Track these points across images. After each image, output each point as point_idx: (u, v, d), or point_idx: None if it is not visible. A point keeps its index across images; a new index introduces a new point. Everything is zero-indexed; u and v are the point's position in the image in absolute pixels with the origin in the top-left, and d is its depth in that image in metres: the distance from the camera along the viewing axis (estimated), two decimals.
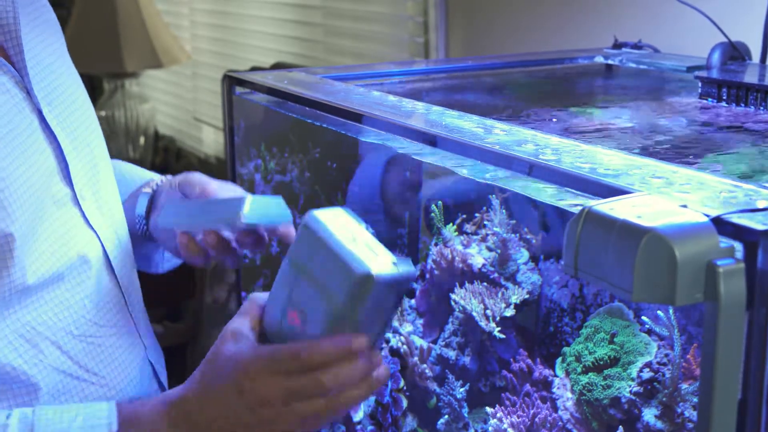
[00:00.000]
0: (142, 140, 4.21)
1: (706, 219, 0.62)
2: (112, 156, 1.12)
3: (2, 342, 0.91)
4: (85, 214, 0.98)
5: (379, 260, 0.82)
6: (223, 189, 1.06)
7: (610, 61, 1.58)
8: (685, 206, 0.65)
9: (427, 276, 1.26)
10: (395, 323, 1.28)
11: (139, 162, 4.18)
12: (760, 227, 0.61)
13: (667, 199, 0.68)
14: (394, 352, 1.30)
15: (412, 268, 0.84)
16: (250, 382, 0.87)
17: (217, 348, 0.92)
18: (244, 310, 0.93)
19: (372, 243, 0.84)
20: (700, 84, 1.25)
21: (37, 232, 0.91)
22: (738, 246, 0.62)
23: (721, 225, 0.63)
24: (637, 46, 1.61)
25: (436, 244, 1.24)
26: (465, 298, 1.18)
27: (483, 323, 1.15)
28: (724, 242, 0.61)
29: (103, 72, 4.23)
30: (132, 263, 1.07)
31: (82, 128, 1.02)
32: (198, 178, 1.07)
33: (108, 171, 1.07)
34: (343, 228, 0.85)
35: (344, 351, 0.84)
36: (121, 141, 4.15)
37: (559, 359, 1.06)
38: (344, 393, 0.86)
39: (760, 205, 0.66)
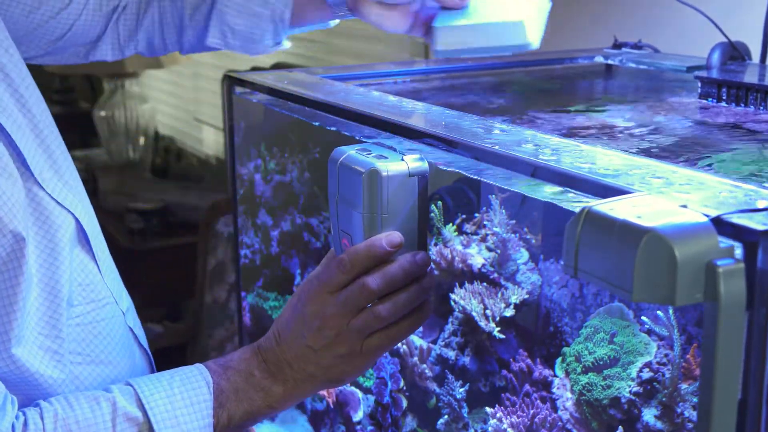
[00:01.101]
0: (142, 140, 4.21)
1: (705, 219, 0.62)
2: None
3: (29, 348, 0.91)
4: (51, 194, 0.96)
5: (386, 161, 0.89)
6: None
7: (610, 61, 1.58)
8: (684, 206, 0.65)
9: None
10: None
11: (139, 163, 4.18)
12: (759, 227, 0.61)
13: (667, 199, 0.68)
14: (394, 352, 1.30)
15: (423, 163, 0.91)
16: (309, 306, 0.93)
17: None
18: (324, 261, 0.98)
19: (388, 154, 0.91)
20: (699, 84, 1.25)
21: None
22: (738, 246, 0.62)
23: (720, 225, 0.62)
24: (637, 46, 1.61)
25: (435, 244, 1.24)
26: (465, 298, 1.18)
27: (483, 323, 1.15)
28: (724, 242, 0.61)
29: (103, 72, 4.23)
30: (101, 235, 1.07)
31: (24, 110, 0.98)
32: None
33: (61, 146, 1.04)
34: (363, 151, 0.92)
35: (380, 250, 0.89)
36: (121, 141, 4.15)
37: (559, 359, 1.06)
38: (395, 298, 0.90)
39: (760, 205, 0.66)
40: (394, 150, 0.94)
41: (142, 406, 0.92)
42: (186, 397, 0.93)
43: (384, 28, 1.16)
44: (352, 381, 1.30)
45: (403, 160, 0.90)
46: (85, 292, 0.99)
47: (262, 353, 0.97)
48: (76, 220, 0.98)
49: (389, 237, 0.90)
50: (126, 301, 1.09)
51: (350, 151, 0.92)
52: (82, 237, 1.00)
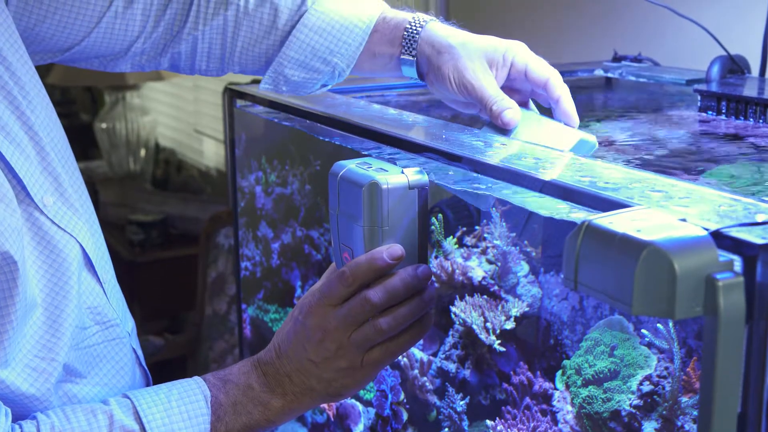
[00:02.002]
0: (143, 152, 4.22)
1: (705, 233, 0.63)
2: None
3: (19, 370, 0.91)
4: (53, 219, 0.96)
5: (386, 174, 0.90)
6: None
7: (609, 74, 1.58)
8: (684, 220, 0.66)
9: None
10: None
11: (140, 174, 4.19)
12: (759, 241, 0.61)
13: (667, 212, 0.68)
14: (395, 365, 1.30)
15: (423, 176, 0.91)
16: (310, 319, 0.93)
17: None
18: (326, 274, 0.99)
19: (388, 167, 0.91)
20: (699, 97, 1.25)
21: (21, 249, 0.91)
22: (737, 260, 0.62)
23: (720, 239, 0.63)
24: (637, 59, 1.61)
25: (436, 257, 1.24)
26: (465, 311, 1.18)
27: (483, 336, 1.15)
28: (724, 256, 0.62)
29: (104, 84, 4.24)
30: (108, 257, 1.06)
31: (31, 133, 0.97)
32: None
33: (71, 169, 1.03)
34: (363, 164, 0.92)
35: (381, 262, 0.90)
36: (122, 153, 4.16)
37: (559, 372, 1.06)
38: (395, 312, 0.91)
39: (760, 218, 0.66)
40: (394, 163, 0.94)
41: (139, 419, 0.92)
42: (184, 410, 0.93)
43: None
44: (352, 395, 1.29)
45: (403, 173, 0.90)
46: (93, 315, 0.99)
47: (262, 366, 0.97)
48: (80, 245, 0.98)
49: (390, 249, 0.90)
50: (130, 321, 1.09)
51: (350, 165, 0.93)
52: (87, 261, 1.00)
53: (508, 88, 1.06)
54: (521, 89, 1.07)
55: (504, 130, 1.03)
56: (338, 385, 0.94)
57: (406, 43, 1.06)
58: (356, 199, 0.90)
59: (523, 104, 1.07)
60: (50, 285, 0.94)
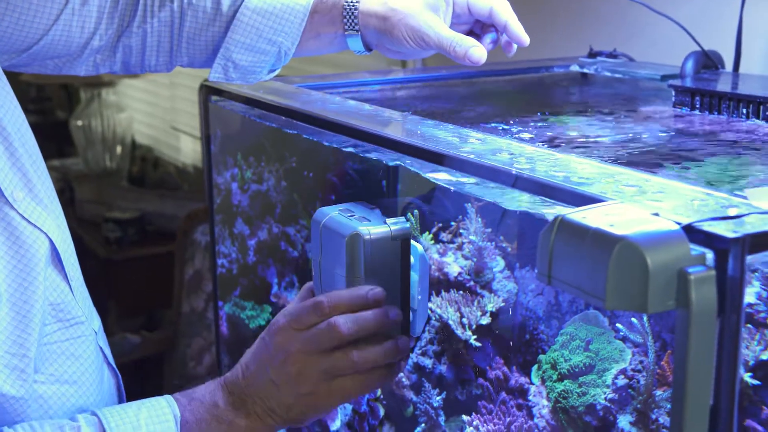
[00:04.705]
0: (119, 149, 4.19)
1: (677, 227, 0.63)
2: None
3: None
4: (23, 214, 0.95)
5: (369, 224, 0.90)
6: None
7: (585, 70, 1.59)
8: (657, 214, 0.66)
9: None
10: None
11: (116, 171, 4.17)
12: (730, 235, 0.61)
13: (640, 207, 0.68)
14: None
15: (405, 225, 0.91)
16: (275, 339, 0.92)
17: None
18: (299, 295, 0.99)
19: (369, 216, 0.92)
20: (673, 92, 1.26)
21: None
22: (709, 253, 0.62)
23: (692, 233, 0.63)
24: (612, 55, 1.62)
25: None
26: (441, 307, 1.18)
27: (459, 331, 1.16)
28: (696, 250, 0.62)
29: (80, 81, 4.21)
30: (74, 254, 1.06)
31: (0, 128, 0.97)
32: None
33: (38, 165, 1.02)
34: (345, 212, 0.93)
35: (360, 300, 0.89)
36: (98, 150, 4.14)
37: (535, 367, 1.06)
38: (369, 347, 0.90)
39: (731, 212, 0.67)
40: (377, 209, 0.94)
41: None
42: (152, 430, 0.93)
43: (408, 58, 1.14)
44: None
45: (385, 223, 0.90)
46: (56, 312, 0.98)
47: (228, 385, 0.97)
48: (50, 240, 0.98)
49: (373, 290, 0.90)
50: (97, 320, 1.08)
51: (333, 213, 0.93)
52: (55, 257, 0.99)
53: (456, 25, 1.09)
54: (468, 23, 1.11)
55: None
56: (298, 411, 0.94)
57: (348, 20, 1.09)
58: (339, 248, 0.90)
59: (477, 37, 1.10)
60: (18, 280, 0.93)
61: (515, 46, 1.10)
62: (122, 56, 1.16)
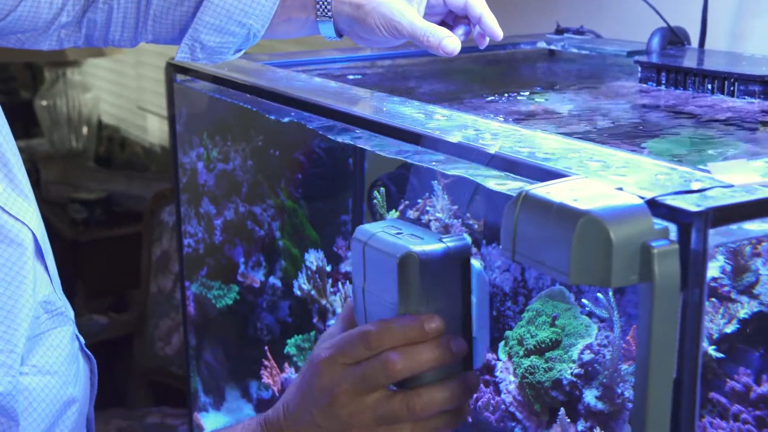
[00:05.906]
0: (85, 130, 4.15)
1: (641, 201, 0.63)
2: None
3: None
4: (3, 207, 0.92)
5: (422, 242, 0.78)
6: None
7: (552, 47, 1.59)
8: (621, 189, 0.66)
9: None
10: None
11: (82, 152, 4.13)
12: (693, 208, 0.61)
13: (604, 182, 0.68)
14: None
15: (464, 241, 0.79)
16: (317, 378, 0.81)
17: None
18: (340, 316, 0.89)
19: (420, 233, 0.80)
20: (639, 68, 1.26)
21: None
22: (672, 227, 0.62)
23: (655, 207, 0.63)
24: (579, 32, 1.62)
25: None
26: None
27: None
28: (659, 224, 0.62)
29: (44, 60, 4.16)
30: (49, 243, 1.04)
31: None
32: None
33: (16, 153, 0.99)
34: (391, 229, 0.81)
35: (414, 328, 0.77)
36: (64, 131, 4.10)
37: (502, 343, 1.07)
38: (432, 393, 0.78)
39: (695, 186, 0.67)
40: (428, 227, 0.85)
41: None
42: None
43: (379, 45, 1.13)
44: None
45: (441, 240, 0.79)
46: (44, 304, 0.97)
47: (267, 426, 0.88)
48: (33, 234, 0.95)
49: (429, 319, 0.78)
50: (71, 309, 1.07)
51: (377, 231, 0.81)
52: (37, 250, 0.97)
53: (429, 15, 1.08)
54: (441, 14, 1.10)
55: None
56: None
57: (321, 6, 1.07)
58: (388, 271, 0.78)
59: (449, 28, 1.08)
60: (8, 278, 0.91)
61: (488, 39, 1.10)
62: (86, 30, 1.14)
